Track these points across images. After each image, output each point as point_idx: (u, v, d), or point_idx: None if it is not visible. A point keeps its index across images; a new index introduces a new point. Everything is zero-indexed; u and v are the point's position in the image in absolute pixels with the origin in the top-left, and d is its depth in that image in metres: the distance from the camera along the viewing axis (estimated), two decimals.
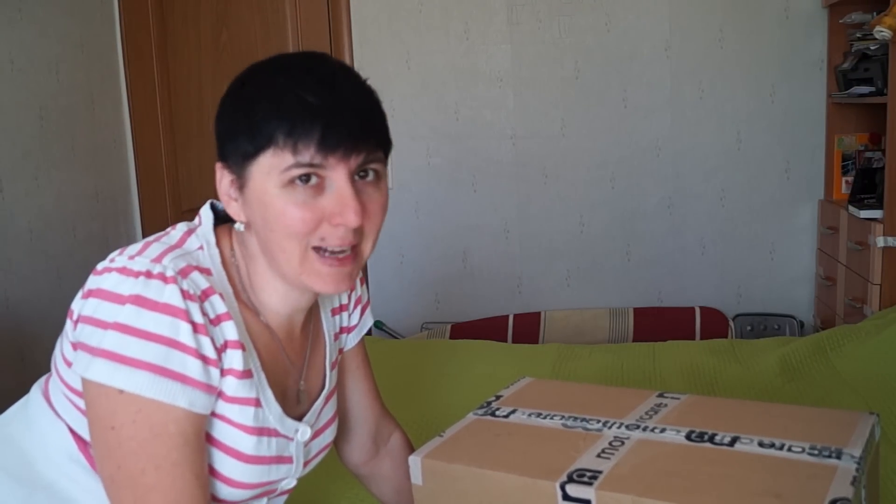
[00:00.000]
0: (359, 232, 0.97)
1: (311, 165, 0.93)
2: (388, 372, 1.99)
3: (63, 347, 1.01)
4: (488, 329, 3.28)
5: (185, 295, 0.92)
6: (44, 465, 1.03)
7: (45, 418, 1.04)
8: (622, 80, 3.39)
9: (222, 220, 1.07)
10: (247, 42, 3.52)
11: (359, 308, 1.25)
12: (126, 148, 3.43)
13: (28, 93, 2.82)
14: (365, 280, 1.28)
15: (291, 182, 0.93)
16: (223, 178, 0.99)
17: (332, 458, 1.31)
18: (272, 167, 0.93)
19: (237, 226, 1.01)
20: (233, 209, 1.00)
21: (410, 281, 3.61)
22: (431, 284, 3.61)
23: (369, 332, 1.30)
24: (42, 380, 1.09)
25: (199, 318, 0.93)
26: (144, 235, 3.41)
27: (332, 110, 0.93)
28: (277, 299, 1.04)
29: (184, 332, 0.91)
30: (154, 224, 3.40)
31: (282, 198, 0.94)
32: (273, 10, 3.52)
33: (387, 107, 1.01)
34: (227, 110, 0.98)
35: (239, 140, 0.95)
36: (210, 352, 0.94)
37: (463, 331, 3.28)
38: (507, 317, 3.42)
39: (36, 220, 2.83)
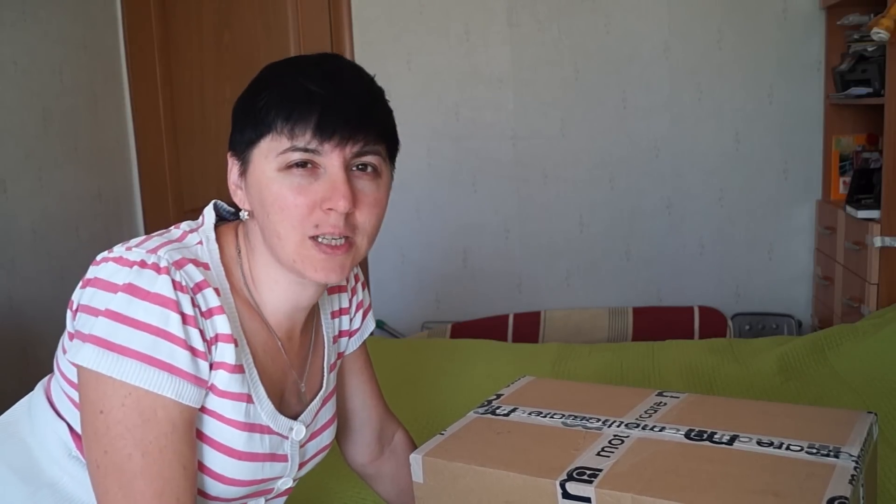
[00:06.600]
0: (351, 224, 0.98)
1: (306, 150, 0.95)
2: (389, 371, 2.00)
3: (63, 341, 1.02)
4: (488, 328, 3.28)
5: (177, 286, 0.93)
6: (47, 464, 1.03)
7: (47, 417, 1.04)
8: (621, 81, 3.40)
9: (228, 220, 1.09)
10: (248, 43, 3.53)
11: (360, 312, 1.25)
12: (129, 148, 3.44)
13: (31, 94, 2.83)
14: (366, 283, 1.28)
15: (288, 167, 0.96)
16: (232, 168, 1.03)
17: (334, 457, 1.31)
18: (270, 150, 0.96)
19: (242, 214, 1.04)
20: (238, 197, 1.03)
21: (411, 280, 3.61)
22: (432, 284, 3.62)
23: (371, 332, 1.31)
24: (45, 379, 1.09)
25: (188, 310, 0.94)
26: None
27: (331, 98, 0.95)
28: (279, 293, 1.05)
29: (173, 323, 0.92)
30: (157, 224, 3.41)
31: (278, 181, 0.96)
32: (274, 12, 3.52)
33: None
34: (239, 104, 1.02)
35: (245, 128, 0.99)
36: (199, 344, 0.94)
37: (463, 330, 3.28)
38: (508, 316, 3.43)
39: (39, 220, 2.84)
